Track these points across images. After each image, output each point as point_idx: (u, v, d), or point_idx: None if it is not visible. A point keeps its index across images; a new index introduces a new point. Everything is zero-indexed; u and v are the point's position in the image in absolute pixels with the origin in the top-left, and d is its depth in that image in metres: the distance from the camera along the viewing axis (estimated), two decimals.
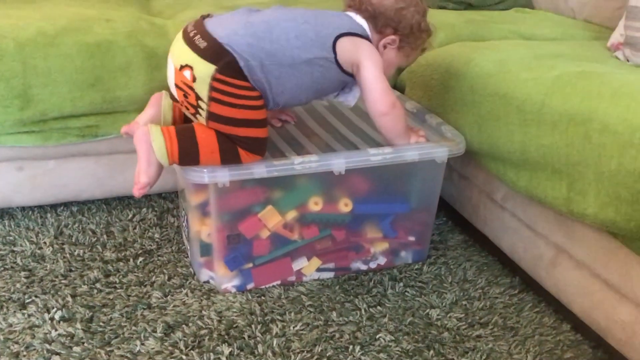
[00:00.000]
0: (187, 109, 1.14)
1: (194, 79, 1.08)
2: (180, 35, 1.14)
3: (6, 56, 1.32)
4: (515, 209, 1.34)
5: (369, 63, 1.17)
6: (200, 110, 1.10)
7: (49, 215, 1.55)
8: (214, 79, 1.06)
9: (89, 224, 1.52)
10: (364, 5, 1.21)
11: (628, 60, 1.40)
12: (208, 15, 1.17)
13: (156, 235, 1.48)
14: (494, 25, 1.73)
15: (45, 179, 1.51)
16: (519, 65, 1.27)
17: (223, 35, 1.08)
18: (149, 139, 1.11)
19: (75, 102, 1.39)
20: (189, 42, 1.09)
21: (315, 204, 1.27)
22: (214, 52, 1.07)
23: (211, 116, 1.10)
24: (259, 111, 1.13)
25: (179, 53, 1.10)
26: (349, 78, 1.21)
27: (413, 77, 1.55)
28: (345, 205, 1.29)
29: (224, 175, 1.13)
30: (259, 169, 1.15)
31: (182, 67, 1.09)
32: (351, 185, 1.29)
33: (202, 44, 1.07)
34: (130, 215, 1.57)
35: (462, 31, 1.67)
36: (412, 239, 1.40)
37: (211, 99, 1.08)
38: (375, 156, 1.23)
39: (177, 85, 1.12)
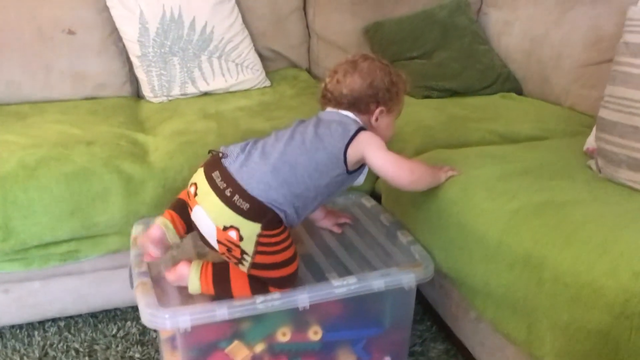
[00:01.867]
0: (229, 259, 1.18)
1: (240, 239, 1.12)
2: (206, 186, 1.15)
3: None
4: (489, 329, 1.32)
5: (371, 149, 1.21)
6: (243, 262, 1.16)
7: (36, 332, 1.59)
8: (260, 235, 1.13)
9: (73, 342, 1.55)
10: (340, 99, 1.27)
11: (600, 171, 1.39)
12: (220, 156, 1.18)
13: (137, 355, 1.50)
14: (473, 125, 1.73)
15: (31, 299, 1.55)
16: (482, 190, 1.27)
17: (261, 193, 1.13)
18: (186, 275, 1.20)
19: (55, 231, 1.43)
20: (229, 202, 1.12)
21: (284, 335, 1.27)
22: (258, 212, 1.12)
23: (255, 266, 1.16)
24: (292, 247, 1.19)
25: (220, 214, 1.13)
26: (355, 176, 1.26)
27: (388, 187, 1.56)
28: (314, 334, 1.29)
29: (185, 321, 1.14)
30: (221, 311, 1.16)
31: (226, 228, 1.13)
32: (320, 312, 1.29)
33: (245, 205, 1.12)
34: (115, 330, 1.59)
35: (439, 135, 1.67)
36: (387, 359, 1.39)
37: (257, 252, 1.14)
38: (339, 288, 1.23)
39: (219, 242, 1.15)
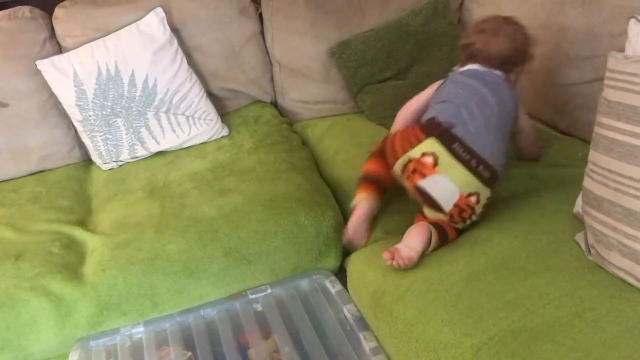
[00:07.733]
0: (451, 217, 1.28)
1: (477, 202, 1.27)
2: (449, 158, 1.25)
3: None
4: None
5: (524, 112, 1.47)
6: (467, 221, 1.29)
7: None
8: (488, 198, 1.29)
9: None
10: (490, 58, 1.41)
11: (590, 252, 1.17)
12: (451, 126, 1.28)
13: None
14: None
15: None
16: (442, 309, 1.07)
17: (496, 162, 1.28)
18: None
19: None
20: (475, 172, 1.26)
21: None
22: (494, 179, 1.28)
23: (473, 224, 1.31)
24: None
25: (468, 182, 1.26)
26: None
27: (357, 269, 1.37)
28: None
29: None
30: None
31: (470, 194, 1.26)
32: None
33: (487, 174, 1.27)
34: None
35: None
36: None
37: (482, 213, 1.30)
38: None
39: (457, 205, 1.26)
